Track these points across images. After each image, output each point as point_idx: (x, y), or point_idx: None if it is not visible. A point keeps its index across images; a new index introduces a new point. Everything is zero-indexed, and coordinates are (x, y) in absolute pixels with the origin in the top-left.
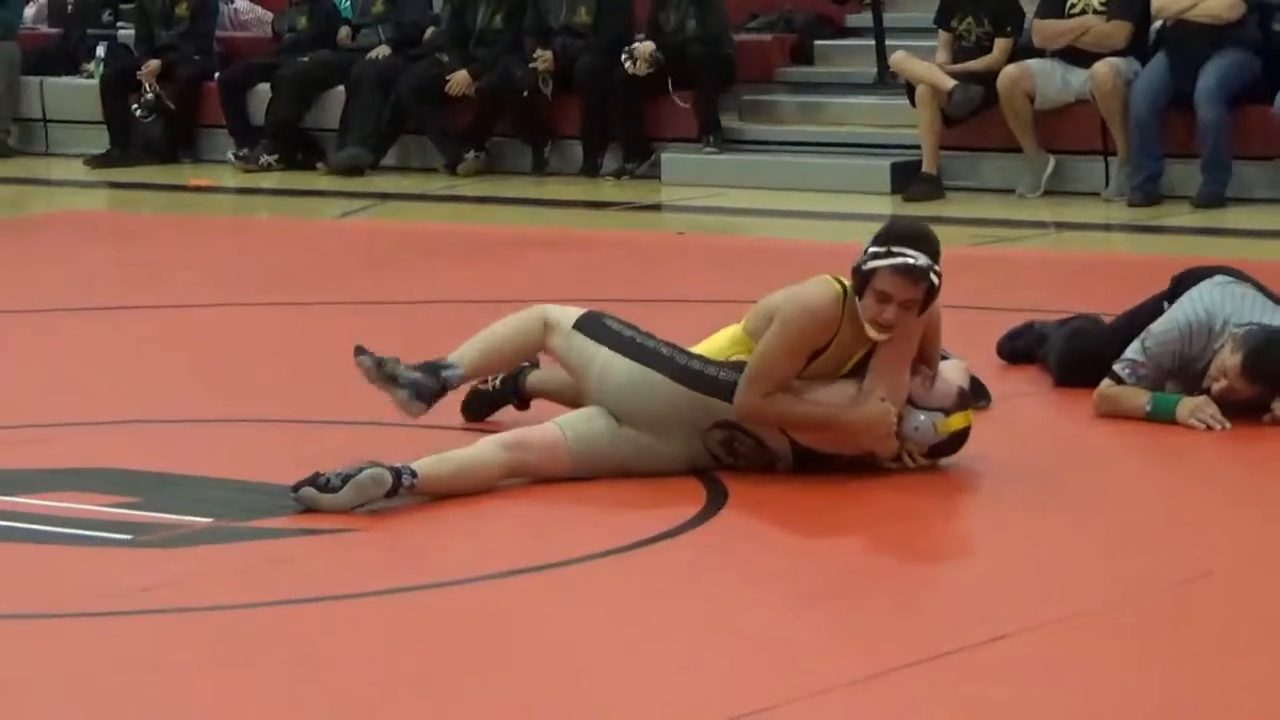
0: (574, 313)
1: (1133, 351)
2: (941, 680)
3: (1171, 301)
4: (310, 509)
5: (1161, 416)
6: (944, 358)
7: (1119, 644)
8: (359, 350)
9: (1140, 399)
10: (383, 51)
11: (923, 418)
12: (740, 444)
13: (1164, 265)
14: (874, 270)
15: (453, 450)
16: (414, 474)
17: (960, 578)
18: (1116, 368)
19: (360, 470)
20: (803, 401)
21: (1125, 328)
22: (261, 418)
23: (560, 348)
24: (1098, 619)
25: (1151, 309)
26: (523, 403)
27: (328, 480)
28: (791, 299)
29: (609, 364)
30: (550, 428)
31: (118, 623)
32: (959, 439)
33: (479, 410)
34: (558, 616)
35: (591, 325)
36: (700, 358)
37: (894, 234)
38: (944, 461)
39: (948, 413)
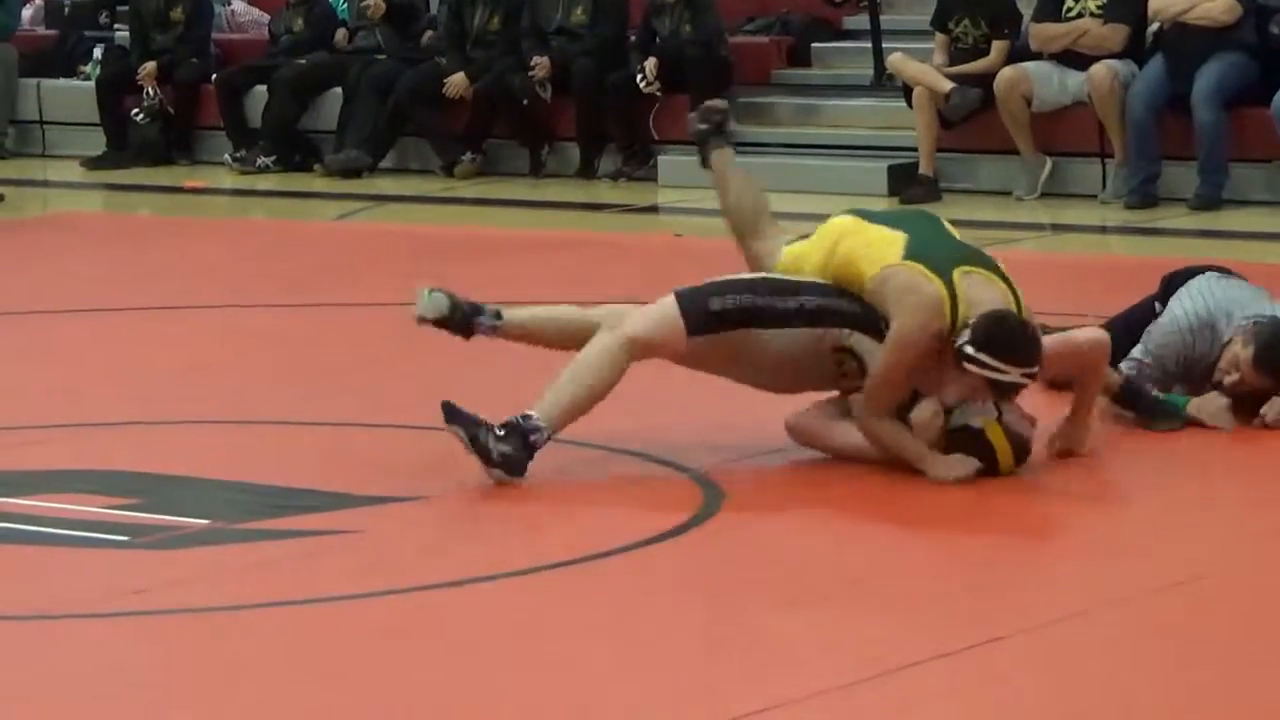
0: (670, 316)
1: (1138, 351)
2: (938, 682)
3: (1162, 303)
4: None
5: None
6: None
7: (1115, 646)
8: (450, 417)
9: None
10: (379, 8)
11: (981, 410)
12: (848, 366)
13: (1160, 268)
14: (970, 369)
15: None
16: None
17: (956, 579)
18: (1123, 367)
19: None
20: (900, 434)
21: (1118, 331)
22: (259, 419)
23: (687, 358)
24: (1093, 621)
25: (1143, 311)
26: None
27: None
28: (905, 311)
29: (752, 348)
30: (669, 299)
31: (113, 624)
32: (985, 447)
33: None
34: (553, 618)
35: (704, 322)
36: (817, 288)
37: (997, 343)
38: None
39: (991, 423)
